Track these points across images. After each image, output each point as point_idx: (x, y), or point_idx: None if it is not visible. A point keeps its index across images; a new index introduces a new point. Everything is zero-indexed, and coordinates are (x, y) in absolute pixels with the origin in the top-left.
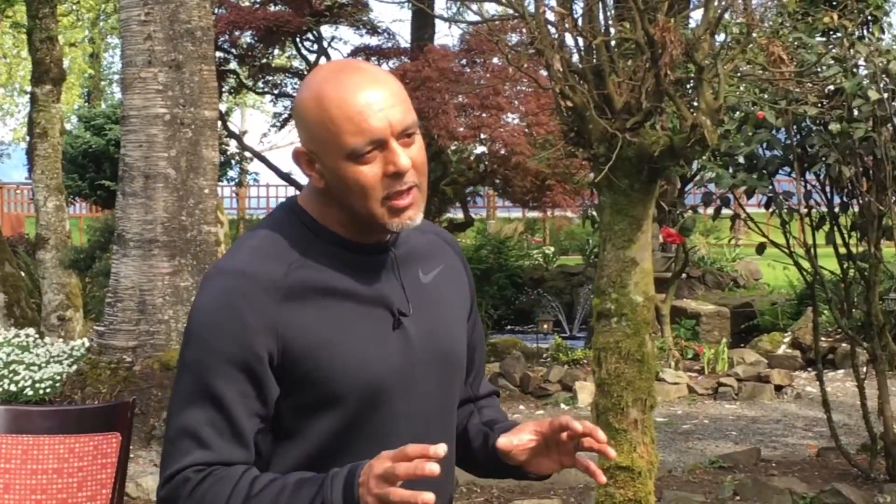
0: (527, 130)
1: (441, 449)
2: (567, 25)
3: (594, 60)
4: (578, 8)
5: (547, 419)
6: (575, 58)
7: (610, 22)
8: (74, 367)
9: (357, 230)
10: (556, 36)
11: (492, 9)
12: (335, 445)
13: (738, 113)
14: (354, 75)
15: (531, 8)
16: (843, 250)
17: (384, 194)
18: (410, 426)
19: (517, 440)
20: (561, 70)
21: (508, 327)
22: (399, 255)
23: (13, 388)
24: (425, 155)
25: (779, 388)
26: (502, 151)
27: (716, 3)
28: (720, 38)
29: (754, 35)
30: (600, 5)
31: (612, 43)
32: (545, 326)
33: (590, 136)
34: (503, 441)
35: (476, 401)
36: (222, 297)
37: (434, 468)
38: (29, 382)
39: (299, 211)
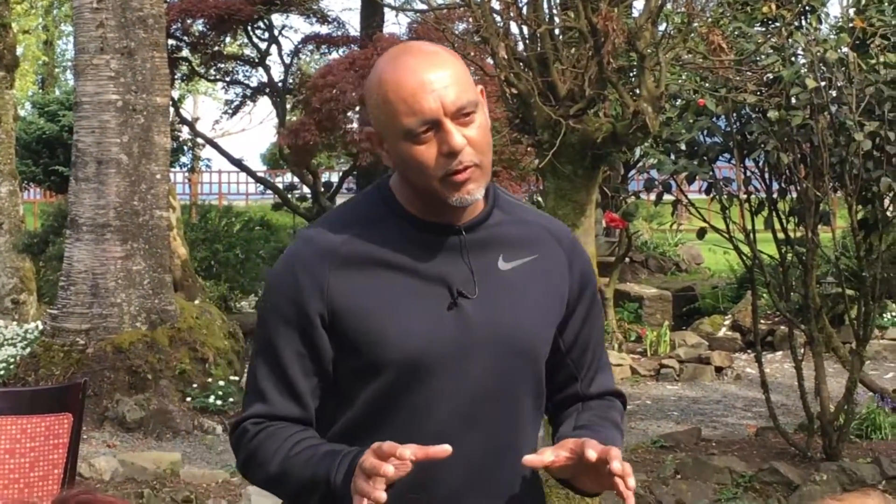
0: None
1: (409, 451)
2: (512, 14)
3: (539, 48)
4: None
5: (587, 440)
6: (520, 46)
7: (554, 11)
8: (28, 349)
9: (427, 209)
10: (502, 24)
11: None
12: (375, 414)
13: (679, 100)
14: (411, 58)
15: None
16: (781, 235)
17: (441, 173)
18: (452, 406)
19: (552, 456)
20: (506, 58)
21: None
22: (474, 238)
23: None
24: (488, 133)
25: (719, 370)
26: None
27: None
28: (662, 27)
29: (695, 24)
30: None
31: (556, 31)
32: None
33: (534, 122)
34: (530, 458)
35: (586, 400)
36: (287, 261)
37: (388, 470)
38: None
39: (384, 188)
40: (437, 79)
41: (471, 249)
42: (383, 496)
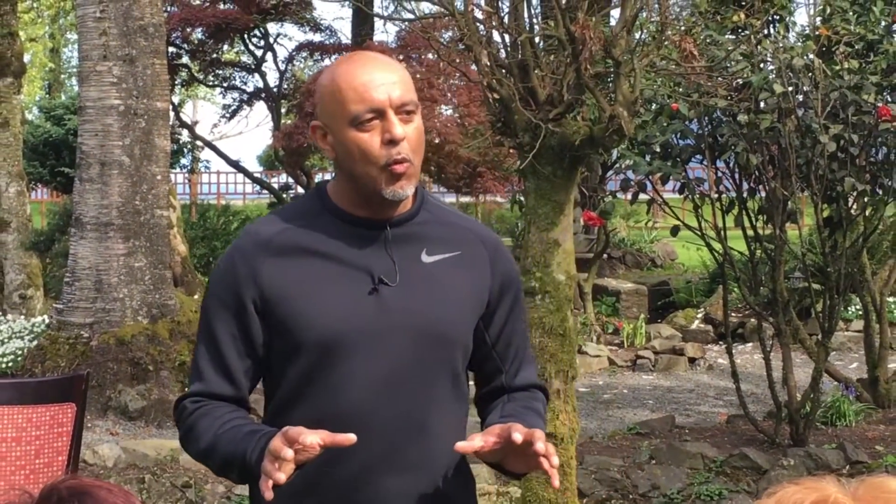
0: (459, 121)
1: (315, 438)
2: (494, 23)
3: (519, 56)
4: (505, 6)
5: (513, 424)
6: (502, 53)
7: (534, 20)
8: (35, 342)
9: (358, 205)
10: (484, 33)
11: (426, 7)
12: (297, 392)
13: (654, 105)
14: (364, 59)
15: (461, 6)
16: (751, 233)
17: (383, 162)
18: (367, 386)
19: (481, 442)
20: (488, 64)
21: None
22: (399, 233)
23: None
24: (423, 138)
25: (692, 360)
26: (436, 140)
27: (632, 3)
28: (637, 35)
29: (668, 33)
30: (525, 4)
31: (536, 39)
32: None
33: (515, 126)
34: (461, 444)
35: (511, 391)
36: (229, 253)
37: (288, 454)
38: None
39: (321, 189)
40: (386, 76)
41: (395, 242)
42: (282, 478)
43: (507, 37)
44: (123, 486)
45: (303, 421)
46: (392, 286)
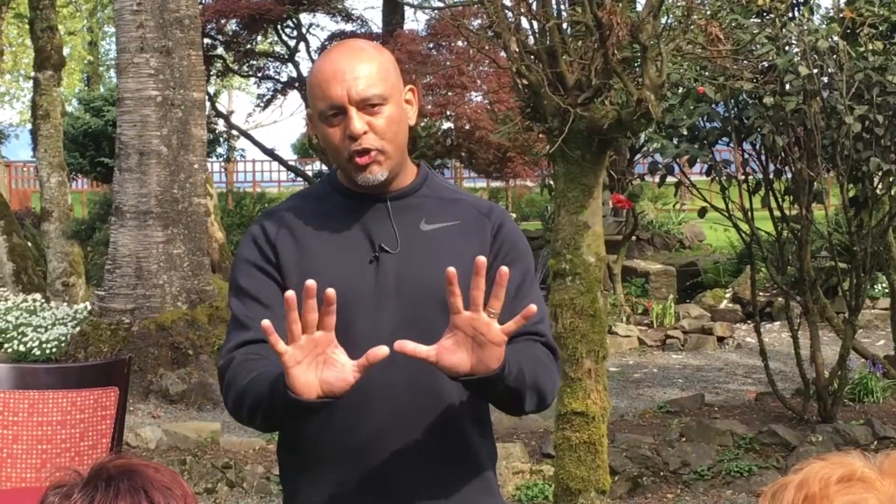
0: (489, 107)
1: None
2: (522, 9)
3: (548, 42)
4: None
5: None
6: (531, 40)
7: (562, 6)
8: (78, 328)
9: (352, 181)
10: (513, 20)
11: None
12: None
13: (681, 88)
14: (338, 52)
15: None
16: (777, 213)
17: (346, 154)
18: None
19: (425, 347)
20: (517, 51)
21: None
22: (399, 204)
23: (22, 348)
24: (398, 125)
25: (721, 340)
26: (467, 127)
27: None
28: (664, 19)
29: (694, 17)
30: None
31: (564, 25)
32: None
33: (544, 111)
34: (401, 343)
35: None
36: (250, 227)
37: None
38: (36, 343)
39: (332, 173)
40: (349, 70)
41: (395, 213)
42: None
43: (535, 23)
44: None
45: None
46: (393, 253)
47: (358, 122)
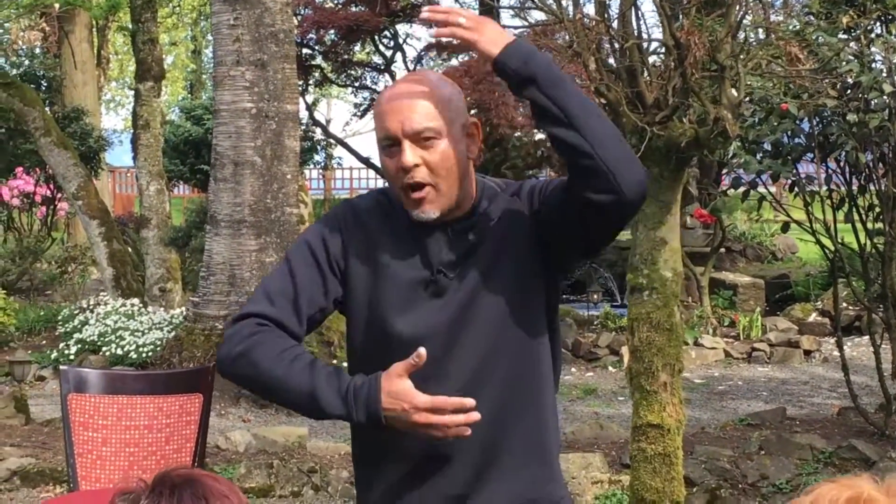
0: None
1: (468, 404)
2: (602, 29)
3: (627, 61)
4: (614, 13)
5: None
6: (611, 59)
7: (642, 25)
8: (173, 333)
9: None
10: (593, 39)
11: (539, 14)
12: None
13: (766, 104)
14: (402, 83)
15: (570, 11)
16: (861, 228)
17: (400, 184)
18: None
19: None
20: (596, 70)
21: (563, 296)
22: (459, 228)
23: (119, 351)
24: (452, 161)
25: (808, 353)
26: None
27: (735, 9)
28: (743, 36)
29: (772, 37)
30: (633, 10)
31: (644, 45)
32: (595, 297)
33: (623, 128)
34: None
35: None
36: (331, 214)
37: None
38: (133, 347)
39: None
40: (407, 103)
41: (455, 238)
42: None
43: (615, 43)
44: (253, 470)
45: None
46: (450, 277)
47: (410, 154)
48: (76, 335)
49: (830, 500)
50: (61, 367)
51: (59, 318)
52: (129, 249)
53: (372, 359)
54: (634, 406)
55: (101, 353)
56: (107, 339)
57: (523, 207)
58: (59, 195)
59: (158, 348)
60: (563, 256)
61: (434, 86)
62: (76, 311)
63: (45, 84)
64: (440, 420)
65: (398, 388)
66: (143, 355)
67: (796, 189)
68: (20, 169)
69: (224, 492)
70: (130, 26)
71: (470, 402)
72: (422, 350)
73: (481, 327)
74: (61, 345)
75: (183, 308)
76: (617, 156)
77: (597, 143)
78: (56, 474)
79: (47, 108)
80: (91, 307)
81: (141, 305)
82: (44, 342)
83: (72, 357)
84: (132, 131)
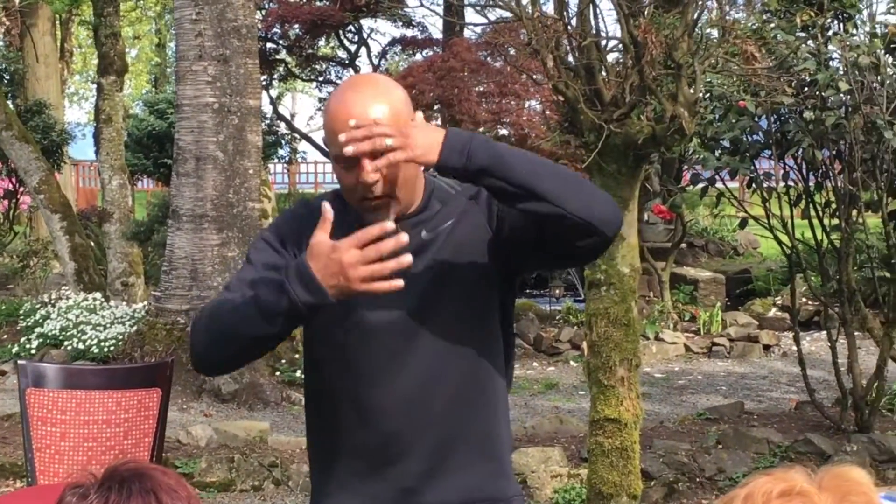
0: (547, 114)
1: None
2: (560, 27)
3: (585, 59)
4: (571, 11)
5: None
6: (570, 56)
7: (601, 23)
8: (135, 327)
9: None
10: (551, 37)
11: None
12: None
13: (724, 100)
14: (351, 92)
15: (529, 10)
16: (818, 225)
17: (358, 197)
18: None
19: None
20: (554, 67)
21: (526, 291)
22: (407, 225)
23: (81, 346)
24: (408, 168)
25: (767, 348)
26: (518, 133)
27: (692, 7)
28: (699, 34)
29: (729, 36)
30: (590, 8)
31: (602, 42)
32: (557, 291)
33: (581, 126)
34: None
35: None
36: (287, 212)
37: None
38: (95, 341)
39: None
40: (362, 117)
41: (409, 234)
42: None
43: (573, 40)
44: (214, 465)
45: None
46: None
47: (372, 174)
48: (38, 329)
49: (764, 493)
50: (20, 361)
51: (21, 312)
52: (92, 243)
53: (332, 345)
54: (592, 400)
55: (62, 348)
56: (69, 334)
57: (482, 213)
58: (21, 189)
59: (120, 343)
60: (523, 268)
61: (383, 95)
62: (38, 306)
63: (7, 77)
64: (372, 253)
65: (316, 244)
66: (105, 350)
67: (754, 185)
68: None
69: (173, 486)
70: (92, 20)
71: (391, 225)
72: (327, 205)
73: (438, 324)
74: (22, 339)
75: (145, 302)
76: (585, 202)
77: (564, 202)
78: (16, 469)
79: (9, 102)
80: (53, 301)
81: (103, 300)
82: (5, 336)
83: (33, 351)
84: (95, 125)
